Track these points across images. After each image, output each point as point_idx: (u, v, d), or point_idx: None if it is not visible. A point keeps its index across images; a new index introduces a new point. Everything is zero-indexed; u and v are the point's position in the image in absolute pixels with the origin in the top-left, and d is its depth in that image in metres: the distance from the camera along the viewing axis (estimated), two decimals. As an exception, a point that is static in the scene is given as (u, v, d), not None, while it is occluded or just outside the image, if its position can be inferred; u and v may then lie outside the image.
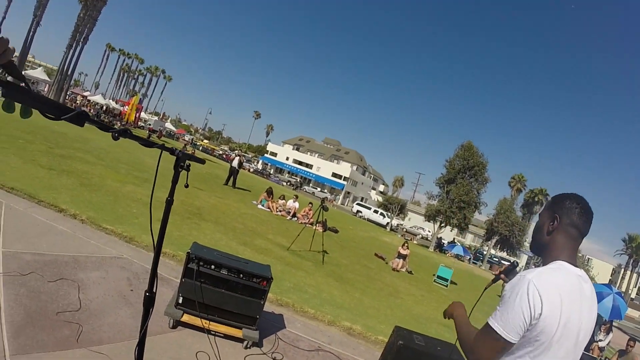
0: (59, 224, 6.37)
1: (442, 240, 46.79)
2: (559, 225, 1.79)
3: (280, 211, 18.52)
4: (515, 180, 59.17)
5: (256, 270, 4.48)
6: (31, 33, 30.34)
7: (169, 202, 2.17)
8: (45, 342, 3.45)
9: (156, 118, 74.00)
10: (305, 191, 65.04)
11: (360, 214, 53.14)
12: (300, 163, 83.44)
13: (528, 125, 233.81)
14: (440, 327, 9.16)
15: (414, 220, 69.75)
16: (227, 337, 4.50)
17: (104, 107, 53.81)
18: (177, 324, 4.43)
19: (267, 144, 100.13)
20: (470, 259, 43.32)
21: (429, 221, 44.44)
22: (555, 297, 1.59)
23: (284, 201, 19.48)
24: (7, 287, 4.05)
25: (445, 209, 40.35)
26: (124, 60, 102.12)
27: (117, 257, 5.88)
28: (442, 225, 41.89)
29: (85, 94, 62.35)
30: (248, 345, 4.50)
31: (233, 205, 15.41)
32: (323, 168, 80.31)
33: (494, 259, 52.66)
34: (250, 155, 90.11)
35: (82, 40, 34.96)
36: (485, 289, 2.58)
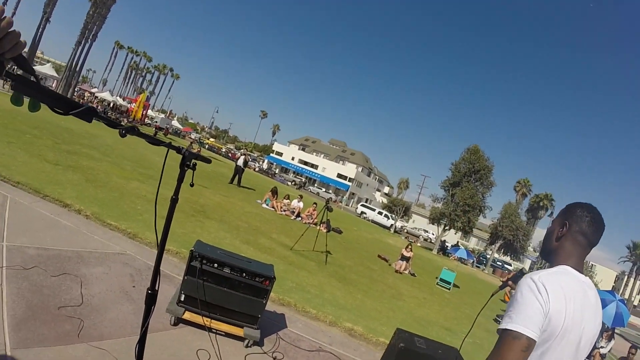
0: (64, 219, 6.38)
1: (446, 243, 46.68)
2: (568, 232, 1.81)
3: (285, 211, 18.51)
4: (520, 185, 58.89)
5: (259, 270, 4.48)
6: (40, 29, 30.48)
7: (174, 201, 2.17)
8: (46, 337, 3.45)
9: (163, 116, 74.14)
10: (310, 191, 65.00)
11: (364, 215, 53.02)
12: (306, 163, 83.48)
13: (535, 129, 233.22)
14: (442, 330, 9.15)
15: (418, 223, 69.58)
16: (228, 335, 4.50)
17: (111, 104, 54.09)
18: (179, 321, 4.43)
19: (273, 144, 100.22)
20: (473, 262, 43.17)
21: (433, 224, 44.38)
22: (560, 297, 1.58)
23: (288, 201, 19.49)
24: (10, 280, 4.06)
25: (450, 212, 40.31)
26: (132, 57, 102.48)
27: (121, 254, 5.89)
28: (447, 228, 41.83)
29: (93, 90, 62.59)
30: (249, 344, 4.50)
31: (237, 204, 15.42)
32: (328, 169, 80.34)
33: (498, 263, 52.48)
34: (256, 155, 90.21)
35: (90, 37, 35.10)
36: (493, 295, 2.57)
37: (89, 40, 35.22)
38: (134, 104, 50.01)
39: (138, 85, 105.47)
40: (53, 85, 42.05)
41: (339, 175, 78.16)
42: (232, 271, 4.36)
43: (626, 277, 76.56)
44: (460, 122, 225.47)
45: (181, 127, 76.76)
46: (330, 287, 8.82)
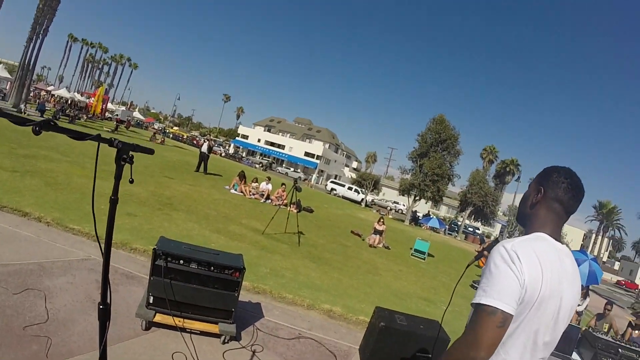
0: (23, 230, 6.01)
1: (417, 214, 47.24)
2: (543, 199, 1.70)
3: (254, 194, 18.27)
4: (486, 152, 59.79)
5: (227, 262, 4.27)
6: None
7: (114, 202, 1.93)
8: (13, 361, 3.20)
9: (124, 108, 72.11)
10: (279, 172, 64.64)
11: (334, 192, 53.08)
12: (273, 144, 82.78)
13: (498, 96, 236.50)
14: (421, 301, 9.17)
15: (388, 195, 70.15)
16: (203, 333, 4.30)
17: (69, 101, 52.22)
18: (150, 324, 4.20)
19: (238, 127, 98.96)
20: (445, 230, 43.88)
21: (403, 195, 44.76)
22: (534, 264, 1.48)
23: (256, 184, 19.22)
24: None
25: (419, 183, 40.72)
26: (88, 50, 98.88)
27: (85, 259, 5.58)
28: (417, 198, 42.26)
29: (49, 88, 60.41)
30: (226, 340, 4.32)
31: (205, 192, 15.11)
32: (295, 148, 79.88)
33: (469, 229, 53.51)
34: (222, 140, 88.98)
35: (42, 32, 33.43)
36: (468, 265, 2.45)
37: (41, 35, 33.53)
38: (92, 98, 48.34)
39: (96, 78, 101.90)
40: (7, 87, 40.28)
41: (307, 154, 77.82)
42: (199, 266, 4.14)
43: (594, 235, 79.47)
44: (424, 93, 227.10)
45: (143, 118, 74.87)
46: (305, 268, 8.70)
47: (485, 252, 2.11)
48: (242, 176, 18.56)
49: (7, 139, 14.09)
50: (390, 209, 58.08)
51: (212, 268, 4.18)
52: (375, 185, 53.18)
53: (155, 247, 4.05)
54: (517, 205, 1.92)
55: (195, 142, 61.55)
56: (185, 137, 68.53)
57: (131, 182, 1.93)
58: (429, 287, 11.33)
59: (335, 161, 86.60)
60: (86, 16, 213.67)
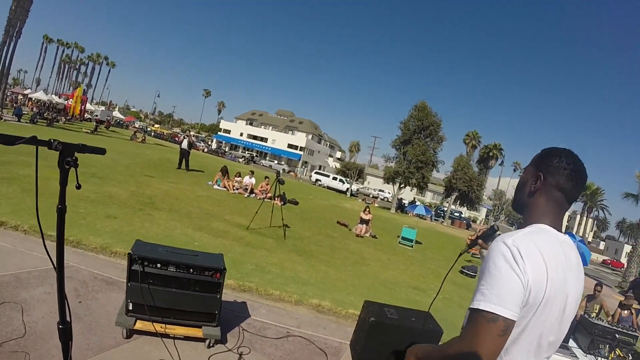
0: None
1: (403, 201, 47.34)
2: (543, 186, 1.52)
3: (237, 189, 18.05)
4: (469, 137, 60.02)
5: (207, 262, 4.07)
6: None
7: (61, 211, 1.72)
8: (-9, 382, 3.01)
9: (103, 108, 71.03)
10: (262, 165, 64.32)
11: (319, 183, 52.99)
12: (255, 137, 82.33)
13: (479, 82, 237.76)
14: (411, 290, 9.07)
15: (373, 184, 70.24)
16: (187, 338, 4.11)
17: (47, 104, 51.24)
18: (132, 332, 4.00)
19: (219, 122, 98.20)
20: (431, 216, 44.03)
21: (388, 183, 44.79)
22: (538, 262, 1.32)
23: (240, 178, 18.99)
24: None
25: (404, 170, 40.72)
26: (64, 50, 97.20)
27: (62, 266, 5.35)
28: (402, 186, 42.30)
29: (26, 92, 59.30)
30: (211, 344, 4.13)
31: (187, 189, 14.85)
32: (278, 140, 79.58)
33: (455, 214, 53.79)
34: (204, 135, 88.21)
35: (15, 34, 32.59)
36: (461, 254, 2.28)
37: (14, 37, 32.69)
38: (70, 100, 47.49)
39: (73, 79, 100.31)
40: None
41: (290, 146, 77.56)
42: (177, 269, 3.93)
43: (578, 216, 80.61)
44: (405, 80, 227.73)
45: (123, 118, 73.79)
46: (292, 262, 8.54)
47: (480, 241, 1.94)
48: (224, 171, 18.32)
49: (-21, 144, 13.64)
50: (374, 197, 58.17)
51: (191, 270, 3.98)
52: (359, 174, 53.28)
53: (130, 251, 3.84)
54: (514, 192, 1.74)
55: (176, 139, 60.86)
56: (164, 133, 67.76)
57: (78, 187, 1.68)
58: (418, 275, 11.24)
59: (319, 152, 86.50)
60: (60, 16, 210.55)
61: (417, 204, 36.49)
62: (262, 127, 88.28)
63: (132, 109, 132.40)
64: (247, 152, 75.75)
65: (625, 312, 8.99)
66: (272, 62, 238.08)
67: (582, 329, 5.78)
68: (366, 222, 16.41)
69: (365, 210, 16.95)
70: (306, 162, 77.67)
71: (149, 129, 69.51)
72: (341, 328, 5.58)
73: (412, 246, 16.79)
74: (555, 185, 1.50)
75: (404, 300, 7.95)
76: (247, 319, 5.03)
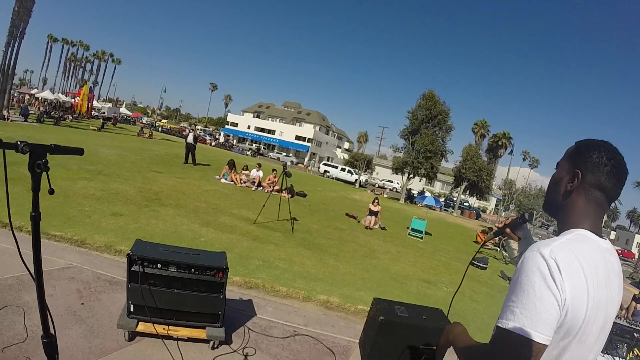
0: (2, 242, 5.65)
1: (412, 192, 47.06)
2: (581, 186, 1.32)
3: (245, 182, 17.96)
4: (478, 126, 59.60)
5: (209, 262, 3.93)
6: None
7: (35, 219, 1.58)
8: (-8, 387, 2.92)
9: (110, 105, 71.21)
10: (270, 157, 64.26)
11: (328, 174, 52.84)
12: (263, 130, 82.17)
13: (487, 71, 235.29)
14: (421, 283, 8.90)
15: (381, 174, 69.91)
16: (191, 340, 4.01)
17: (54, 103, 51.50)
18: (134, 334, 3.91)
19: (226, 115, 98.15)
20: (441, 207, 43.72)
21: (396, 173, 44.50)
22: (579, 279, 1.14)
23: (247, 172, 18.88)
24: None
25: (412, 160, 40.36)
26: (69, 49, 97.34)
27: (66, 268, 5.26)
28: (411, 176, 42.00)
29: (33, 91, 59.52)
30: (215, 345, 4.02)
31: (194, 184, 14.77)
32: (286, 132, 79.37)
33: (465, 204, 53.44)
34: (211, 129, 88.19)
35: (19, 35, 32.66)
36: (484, 243, 2.10)
37: (18, 38, 32.77)
38: (77, 98, 47.70)
39: (79, 77, 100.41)
40: None
41: (297, 137, 77.34)
42: (178, 269, 3.81)
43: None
44: (412, 69, 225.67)
45: (130, 114, 74.00)
46: (300, 257, 8.41)
47: (508, 230, 1.73)
48: (231, 165, 18.22)
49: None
50: (380, 187, 57.92)
51: (192, 270, 3.85)
52: (368, 165, 52.99)
53: (129, 252, 3.71)
54: (546, 191, 1.54)
55: (183, 133, 60.96)
56: (170, 128, 67.82)
57: (51, 192, 1.53)
58: (428, 267, 11.07)
59: (327, 143, 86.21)
60: (64, 15, 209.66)
61: (426, 194, 36.25)
62: (270, 119, 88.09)
63: (139, 105, 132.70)
64: (252, 144, 75.69)
65: (640, 305, 8.78)
66: (278, 54, 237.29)
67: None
68: (375, 213, 16.23)
69: (374, 201, 16.77)
70: (314, 154, 77.46)
71: (157, 125, 69.63)
72: (350, 326, 5.43)
73: (422, 237, 16.60)
74: (595, 184, 1.31)
75: (415, 294, 7.80)
76: (253, 317, 4.91)
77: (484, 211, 61.39)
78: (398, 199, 42.03)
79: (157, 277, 3.78)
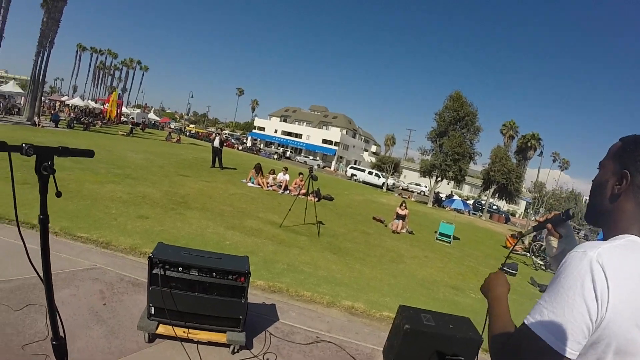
0: (29, 242, 5.71)
1: (440, 195, 46.47)
2: (630, 187, 1.18)
3: (271, 186, 18.00)
4: (506, 128, 58.56)
5: (230, 266, 3.88)
6: (-5, 49, 29.18)
7: (43, 222, 1.53)
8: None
9: (139, 111, 72.72)
10: (297, 161, 64.40)
11: (355, 178, 52.66)
12: (290, 134, 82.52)
13: (514, 71, 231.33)
14: (449, 290, 8.70)
15: (409, 177, 69.30)
16: (211, 343, 3.96)
17: (84, 109, 52.90)
18: (154, 337, 3.89)
19: (253, 120, 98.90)
20: (470, 211, 43.00)
21: (424, 177, 44.04)
22: (628, 287, 1.01)
23: (274, 175, 18.92)
24: None
25: (440, 163, 39.89)
26: (97, 57, 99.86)
27: (90, 268, 5.30)
28: (439, 179, 41.49)
29: (64, 98, 61.25)
30: (235, 350, 3.96)
31: (221, 187, 14.86)
32: (313, 136, 79.50)
33: (494, 207, 52.54)
34: (239, 133, 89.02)
35: (48, 44, 33.70)
36: (522, 237, 1.96)
37: (47, 48, 33.82)
38: (106, 104, 49.00)
39: (108, 84, 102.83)
40: (21, 102, 40.98)
41: (324, 141, 77.38)
42: (200, 273, 3.76)
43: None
44: (438, 70, 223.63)
45: (159, 119, 75.46)
46: (325, 261, 8.32)
47: (549, 226, 1.59)
48: (258, 168, 18.29)
49: (18, 150, 13.98)
50: (404, 189, 57.38)
51: (214, 274, 3.80)
52: (395, 168, 52.56)
53: (150, 255, 3.70)
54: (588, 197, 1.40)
55: (211, 137, 61.84)
56: (198, 132, 68.71)
57: (58, 195, 1.49)
58: (456, 273, 10.83)
59: (354, 146, 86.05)
60: (92, 24, 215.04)
61: (454, 198, 35.68)
62: (296, 123, 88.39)
63: (167, 111, 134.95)
64: (278, 148, 76.04)
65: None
66: (304, 58, 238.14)
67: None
68: (402, 217, 16.03)
69: (401, 205, 16.57)
70: (341, 157, 77.37)
71: (186, 129, 70.72)
72: (374, 333, 5.30)
73: (450, 242, 16.30)
74: None
75: (442, 301, 7.61)
76: (276, 322, 4.83)
77: (513, 215, 60.18)
78: (426, 203, 41.56)
79: (178, 280, 3.75)
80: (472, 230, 26.46)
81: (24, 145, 1.37)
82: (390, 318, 5.24)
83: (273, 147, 77.45)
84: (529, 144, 56.95)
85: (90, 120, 37.27)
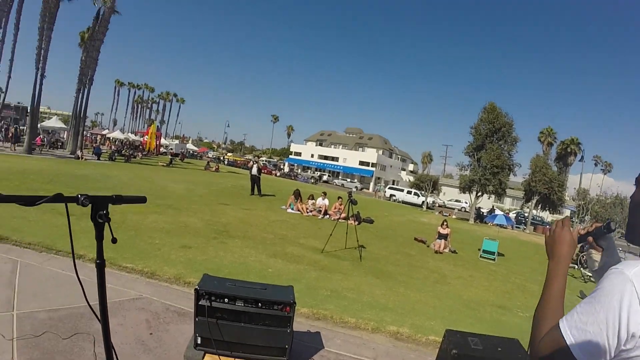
0: (70, 271, 6.00)
1: (481, 210, 45.55)
2: None
3: (311, 211, 18.09)
4: (544, 135, 57.30)
5: (276, 296, 3.95)
6: (38, 86, 30.82)
7: (100, 266, 1.64)
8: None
9: (177, 141, 74.78)
10: (335, 184, 64.59)
11: (394, 198, 52.36)
12: (326, 157, 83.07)
13: (546, 76, 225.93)
14: (495, 309, 8.51)
15: (449, 194, 68.31)
16: (257, 373, 4.01)
17: (124, 142, 54.84)
18: (201, 366, 3.96)
19: (289, 145, 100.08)
20: (513, 225, 41.89)
21: (464, 192, 43.30)
22: None
23: (313, 201, 19.04)
24: (20, 352, 3.71)
25: (479, 177, 39.15)
26: (135, 92, 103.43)
27: (136, 298, 5.47)
28: (479, 194, 40.74)
29: (104, 132, 63.59)
30: (282, 379, 3.99)
31: (261, 215, 15.05)
32: (349, 158, 79.77)
33: (538, 218, 51.02)
34: (275, 159, 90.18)
35: (87, 81, 35.58)
36: None
37: (86, 85, 35.71)
38: (146, 136, 50.72)
39: (147, 117, 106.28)
40: (64, 136, 43.05)
41: (361, 163, 77.50)
42: (245, 304, 3.85)
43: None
44: (470, 83, 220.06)
45: (197, 149, 77.30)
46: (368, 286, 8.28)
47: (590, 239, 1.55)
48: (297, 194, 18.47)
49: (65, 184, 14.66)
50: (441, 205, 56.42)
51: (259, 304, 3.88)
52: (434, 186, 51.97)
53: (196, 287, 3.81)
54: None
55: (248, 165, 62.79)
56: (235, 161, 69.88)
57: (114, 241, 1.59)
58: (502, 291, 10.58)
59: (391, 166, 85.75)
60: (128, 60, 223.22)
61: (496, 213, 34.89)
62: (332, 146, 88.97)
63: (204, 140, 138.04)
64: (314, 172, 76.51)
65: None
66: (336, 81, 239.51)
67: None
68: (444, 236, 15.82)
69: (442, 224, 16.36)
70: (379, 178, 77.13)
71: (224, 158, 72.13)
72: (421, 358, 5.23)
73: (494, 259, 15.93)
74: None
75: (488, 322, 7.45)
76: (321, 350, 4.84)
77: (558, 225, 58.11)
78: (467, 219, 40.77)
79: (224, 311, 3.84)
80: (517, 245, 25.78)
81: (79, 196, 1.48)
82: (437, 342, 5.18)
83: (309, 171, 77.96)
84: (569, 150, 55.53)
85: (131, 153, 38.59)
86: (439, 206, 55.68)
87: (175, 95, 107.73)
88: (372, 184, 74.08)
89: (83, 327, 4.34)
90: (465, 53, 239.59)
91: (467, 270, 12.63)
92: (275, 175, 58.51)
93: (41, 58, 31.49)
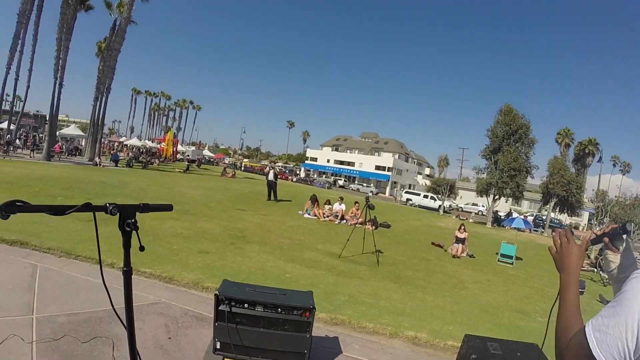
0: (95, 278, 6.09)
1: (499, 213, 45.11)
2: None
3: (328, 216, 18.13)
4: (561, 136, 56.69)
5: (295, 302, 4.00)
6: (57, 95, 31.55)
7: (127, 273, 1.70)
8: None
9: (194, 148, 75.49)
10: (351, 189, 64.53)
11: (410, 202, 52.15)
12: (342, 162, 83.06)
13: (562, 76, 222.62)
14: (514, 314, 8.44)
15: (465, 198, 67.81)
16: (276, 377, 4.05)
17: (141, 148, 55.54)
18: (220, 370, 4.02)
19: (305, 151, 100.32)
20: (530, 229, 41.39)
21: (481, 196, 42.91)
22: None
23: (330, 206, 19.08)
24: (40, 355, 3.80)
25: (496, 180, 38.74)
26: (152, 100, 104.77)
27: (155, 303, 5.56)
28: (496, 197, 40.33)
29: (122, 139, 64.48)
30: (301, 384, 4.03)
31: (278, 220, 15.12)
32: (365, 163, 79.70)
33: (556, 221, 50.35)
34: (292, 165, 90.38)
35: (105, 90, 36.32)
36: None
37: (104, 93, 36.45)
38: (163, 143, 51.36)
39: (163, 124, 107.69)
40: (83, 144, 43.83)
41: (377, 167, 77.37)
42: (265, 309, 3.90)
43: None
44: (484, 85, 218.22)
45: (213, 155, 77.87)
46: (386, 291, 8.28)
47: (606, 239, 1.58)
48: (314, 200, 18.52)
49: (83, 190, 14.89)
50: (459, 208, 55.96)
51: (279, 309, 3.93)
52: (451, 189, 51.62)
53: (217, 292, 3.88)
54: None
55: (264, 171, 63.06)
56: (252, 167, 70.22)
57: (141, 249, 1.64)
58: (521, 296, 10.48)
59: (407, 170, 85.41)
60: (145, 69, 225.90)
61: (514, 216, 34.59)
62: (348, 151, 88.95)
63: (220, 147, 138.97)
64: (328, 177, 76.59)
65: None
66: (351, 86, 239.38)
67: None
68: (462, 240, 15.72)
69: (460, 228, 16.26)
70: (395, 183, 76.91)
71: (241, 164, 72.56)
72: (440, 363, 5.25)
73: (512, 263, 15.78)
74: None
75: (507, 327, 7.41)
76: (339, 355, 4.86)
77: (576, 228, 57.42)
78: (484, 223, 40.37)
79: (243, 316, 3.89)
80: (535, 248, 25.45)
81: (108, 205, 1.53)
82: (455, 347, 5.18)
83: (324, 176, 78.05)
84: (587, 150, 54.89)
85: (148, 159, 39.06)
86: (456, 210, 55.28)
87: (191, 102, 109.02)
88: (388, 188, 73.88)
89: (102, 331, 4.43)
90: (481, 55, 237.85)
91: (485, 275, 12.54)
92: (292, 180, 58.69)
93: (59, 67, 32.24)
